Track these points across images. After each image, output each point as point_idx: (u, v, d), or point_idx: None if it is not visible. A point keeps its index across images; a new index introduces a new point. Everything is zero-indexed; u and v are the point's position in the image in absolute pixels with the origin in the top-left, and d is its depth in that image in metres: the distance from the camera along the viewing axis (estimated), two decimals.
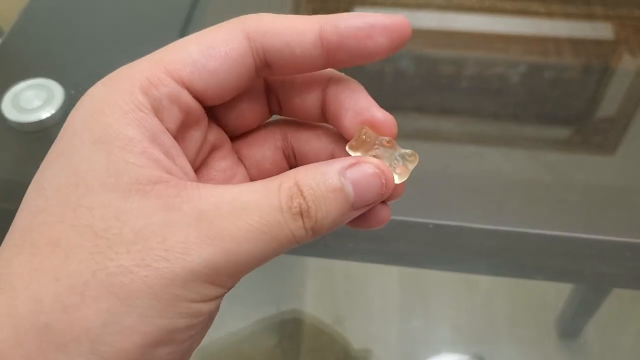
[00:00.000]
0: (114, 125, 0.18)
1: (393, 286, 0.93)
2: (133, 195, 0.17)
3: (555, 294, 1.06)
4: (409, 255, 0.43)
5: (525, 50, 0.53)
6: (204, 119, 0.21)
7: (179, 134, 0.20)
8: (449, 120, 0.46)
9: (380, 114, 0.21)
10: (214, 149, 0.22)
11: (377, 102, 0.23)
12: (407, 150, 0.23)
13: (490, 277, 0.44)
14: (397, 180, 0.22)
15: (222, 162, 0.22)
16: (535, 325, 1.03)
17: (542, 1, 0.58)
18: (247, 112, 0.22)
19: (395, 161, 0.22)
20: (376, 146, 0.22)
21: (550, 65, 0.52)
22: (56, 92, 0.45)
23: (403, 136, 0.44)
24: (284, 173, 0.19)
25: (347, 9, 0.57)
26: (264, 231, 0.18)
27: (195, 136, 0.21)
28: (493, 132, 0.46)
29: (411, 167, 0.22)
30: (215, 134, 0.22)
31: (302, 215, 0.18)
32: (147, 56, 0.21)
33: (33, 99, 0.45)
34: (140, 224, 0.17)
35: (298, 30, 0.19)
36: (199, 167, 0.22)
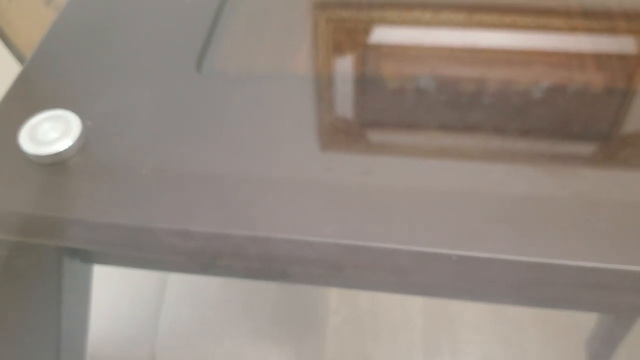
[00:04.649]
0: None
1: (417, 318, 0.92)
2: None
3: (585, 325, 1.04)
4: (433, 287, 0.41)
5: (549, 66, 0.52)
6: None
7: None
8: (472, 140, 0.45)
9: None
10: None
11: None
12: None
13: (518, 307, 0.42)
14: None
15: None
16: (565, 349, 1.00)
17: (564, 17, 0.56)
18: None
19: None
20: None
21: (574, 80, 0.51)
22: (73, 124, 0.45)
23: (424, 154, 0.42)
24: None
25: (367, 28, 0.56)
26: None
27: None
28: (519, 151, 0.44)
29: None
30: None
31: None
32: None
33: (50, 131, 0.44)
34: None
35: None
36: None
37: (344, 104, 0.49)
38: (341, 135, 0.45)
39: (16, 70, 1.19)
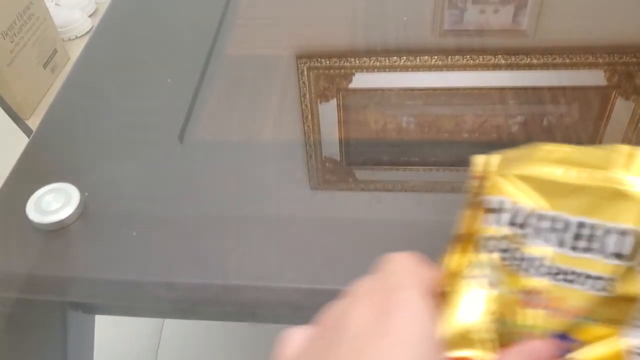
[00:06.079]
0: None
1: None
2: None
3: None
4: None
5: (522, 101, 0.58)
6: None
7: None
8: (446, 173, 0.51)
9: None
10: None
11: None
12: None
13: None
14: None
15: None
16: None
17: (532, 54, 0.63)
18: None
19: None
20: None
21: (547, 112, 0.56)
22: (73, 195, 0.52)
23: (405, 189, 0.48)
24: None
25: (348, 74, 0.63)
26: None
27: None
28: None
29: None
30: None
31: None
32: None
33: (52, 202, 0.51)
34: None
35: None
36: None
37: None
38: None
39: (13, 131, 1.25)
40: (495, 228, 0.27)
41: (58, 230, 0.50)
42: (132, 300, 0.49)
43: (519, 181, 0.28)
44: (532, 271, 0.27)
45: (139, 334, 0.89)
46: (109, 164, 0.55)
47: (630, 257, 0.25)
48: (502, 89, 0.60)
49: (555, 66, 0.62)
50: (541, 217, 0.27)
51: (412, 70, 0.63)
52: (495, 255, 0.27)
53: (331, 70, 0.64)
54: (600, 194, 0.26)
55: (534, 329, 0.26)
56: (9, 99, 1.51)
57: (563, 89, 0.59)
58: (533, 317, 0.27)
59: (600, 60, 0.63)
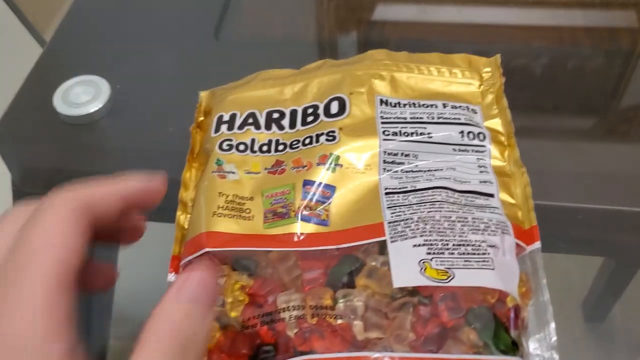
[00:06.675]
0: None
1: None
2: None
3: (580, 287, 1.07)
4: None
5: (547, 41, 0.55)
6: None
7: None
8: None
9: None
10: None
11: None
12: None
13: None
14: None
15: None
16: (561, 309, 1.03)
17: None
18: None
19: None
20: None
21: (572, 54, 0.53)
22: (103, 88, 0.49)
23: None
24: None
25: (371, 6, 0.59)
26: None
27: None
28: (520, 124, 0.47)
29: None
30: None
31: None
32: None
33: (81, 94, 0.48)
34: None
35: None
36: None
37: None
38: None
39: (30, 43, 1.21)
40: (227, 133, 0.35)
41: (87, 124, 0.48)
42: (166, 201, 0.47)
43: (241, 99, 0.37)
44: (272, 152, 0.34)
45: (165, 236, 0.88)
46: (141, 58, 0.52)
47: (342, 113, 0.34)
48: (527, 27, 0.56)
49: (583, 5, 0.58)
50: (269, 114, 0.36)
51: (436, 4, 0.59)
52: (233, 151, 0.34)
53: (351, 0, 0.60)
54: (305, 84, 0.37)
55: (287, 187, 0.32)
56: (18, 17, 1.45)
57: (590, 29, 0.55)
58: (281, 180, 0.32)
59: (633, 0, 0.58)
